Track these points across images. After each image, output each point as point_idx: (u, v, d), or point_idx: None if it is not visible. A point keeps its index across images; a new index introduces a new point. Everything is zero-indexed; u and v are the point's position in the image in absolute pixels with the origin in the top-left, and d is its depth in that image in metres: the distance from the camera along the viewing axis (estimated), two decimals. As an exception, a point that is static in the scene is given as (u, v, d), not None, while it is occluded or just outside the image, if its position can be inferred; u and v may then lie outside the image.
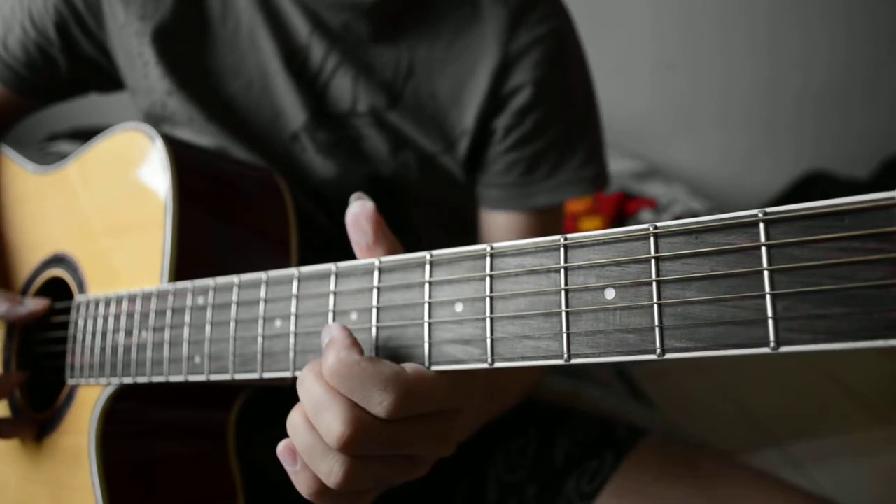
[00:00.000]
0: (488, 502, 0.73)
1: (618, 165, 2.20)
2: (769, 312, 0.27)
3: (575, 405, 0.82)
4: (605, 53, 1.71)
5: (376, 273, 0.39)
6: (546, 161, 0.71)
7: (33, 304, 0.63)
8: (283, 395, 0.66)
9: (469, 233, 0.79)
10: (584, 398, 0.87)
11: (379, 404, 0.34)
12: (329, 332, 0.37)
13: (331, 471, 0.35)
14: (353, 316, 0.40)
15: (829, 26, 2.53)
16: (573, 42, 0.74)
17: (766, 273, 0.27)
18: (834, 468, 1.44)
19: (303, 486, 0.38)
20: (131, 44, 0.69)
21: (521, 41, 0.68)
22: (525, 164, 0.71)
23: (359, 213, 0.41)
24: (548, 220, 0.74)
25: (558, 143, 0.72)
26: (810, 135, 2.64)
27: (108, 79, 0.76)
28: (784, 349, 0.26)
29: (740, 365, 1.77)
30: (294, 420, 0.37)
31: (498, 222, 0.74)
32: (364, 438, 0.35)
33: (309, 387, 0.36)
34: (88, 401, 0.58)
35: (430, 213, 0.76)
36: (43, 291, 0.68)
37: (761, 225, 0.27)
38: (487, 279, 0.35)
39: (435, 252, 0.37)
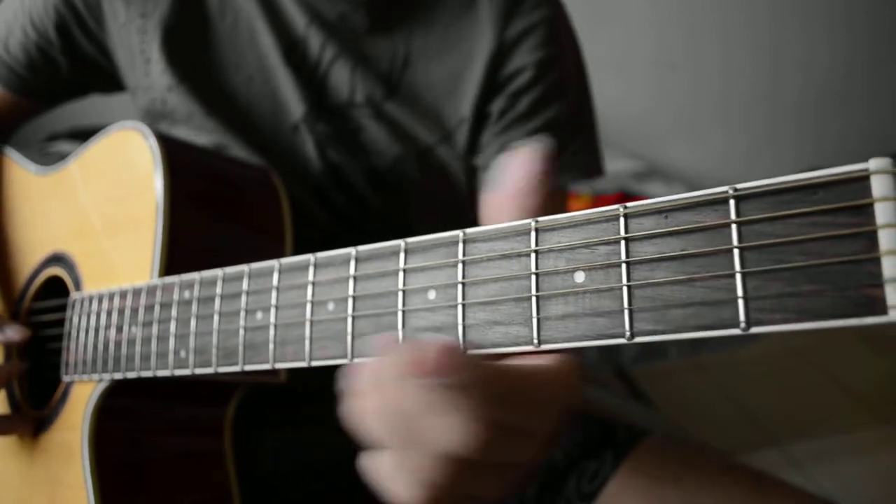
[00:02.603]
0: (488, 502, 0.73)
1: (618, 165, 2.19)
2: (739, 292, 0.26)
3: (575, 405, 0.81)
4: (605, 52, 1.70)
5: (353, 262, 0.39)
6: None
7: (12, 333, 0.63)
8: (281, 394, 0.65)
9: (464, 226, 0.79)
10: (583, 398, 0.86)
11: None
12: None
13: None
14: (330, 306, 0.39)
15: (830, 26, 2.52)
16: (566, 29, 0.75)
17: (736, 251, 0.26)
18: (834, 468, 1.43)
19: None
20: (133, 41, 0.70)
21: (516, 28, 0.69)
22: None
23: (536, 152, 0.36)
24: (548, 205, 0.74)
25: (551, 127, 0.72)
26: (811, 135, 2.63)
27: (108, 79, 0.76)
28: (755, 329, 0.25)
29: (740, 365, 1.76)
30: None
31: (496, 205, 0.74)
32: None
33: (406, 390, 0.28)
34: (82, 397, 0.58)
35: (426, 208, 0.76)
36: (43, 290, 0.68)
37: (732, 202, 0.26)
38: (460, 265, 0.34)
39: (409, 239, 0.37)
